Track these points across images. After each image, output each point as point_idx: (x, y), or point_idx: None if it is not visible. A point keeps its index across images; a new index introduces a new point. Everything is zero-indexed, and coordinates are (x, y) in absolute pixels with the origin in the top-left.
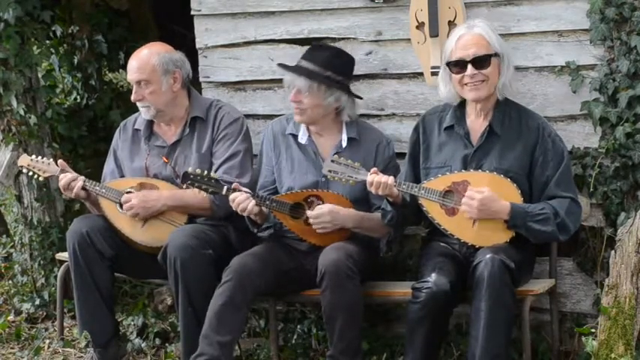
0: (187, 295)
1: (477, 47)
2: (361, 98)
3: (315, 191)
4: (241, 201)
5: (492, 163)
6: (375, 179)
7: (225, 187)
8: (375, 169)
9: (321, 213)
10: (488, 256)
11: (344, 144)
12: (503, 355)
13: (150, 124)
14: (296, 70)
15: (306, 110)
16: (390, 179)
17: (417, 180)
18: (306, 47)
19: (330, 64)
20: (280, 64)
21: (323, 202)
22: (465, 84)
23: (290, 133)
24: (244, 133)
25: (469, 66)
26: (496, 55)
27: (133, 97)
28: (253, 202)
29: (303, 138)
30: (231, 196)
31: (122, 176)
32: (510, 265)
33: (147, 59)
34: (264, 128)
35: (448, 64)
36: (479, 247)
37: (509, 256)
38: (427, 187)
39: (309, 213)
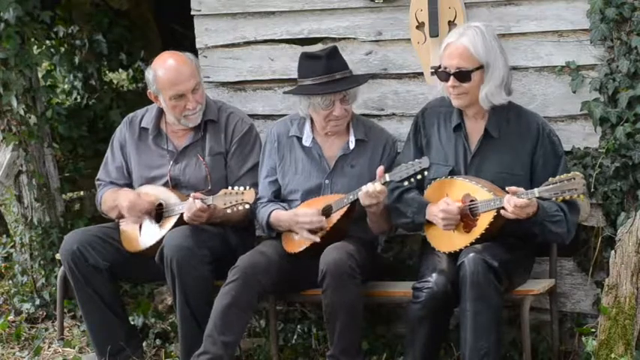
0: (185, 295)
1: (459, 59)
2: (369, 76)
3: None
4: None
5: (494, 168)
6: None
7: (423, 161)
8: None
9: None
10: (470, 255)
11: (351, 146)
12: (492, 354)
13: (158, 123)
14: (349, 82)
15: (348, 116)
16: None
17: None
18: (313, 54)
19: (345, 62)
20: (324, 89)
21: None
22: (449, 92)
23: (294, 135)
24: (259, 143)
25: (451, 78)
26: (480, 67)
27: (192, 106)
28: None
29: (307, 140)
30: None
31: (129, 172)
32: (493, 264)
33: (190, 63)
34: (268, 129)
35: (435, 68)
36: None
37: (493, 255)
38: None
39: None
